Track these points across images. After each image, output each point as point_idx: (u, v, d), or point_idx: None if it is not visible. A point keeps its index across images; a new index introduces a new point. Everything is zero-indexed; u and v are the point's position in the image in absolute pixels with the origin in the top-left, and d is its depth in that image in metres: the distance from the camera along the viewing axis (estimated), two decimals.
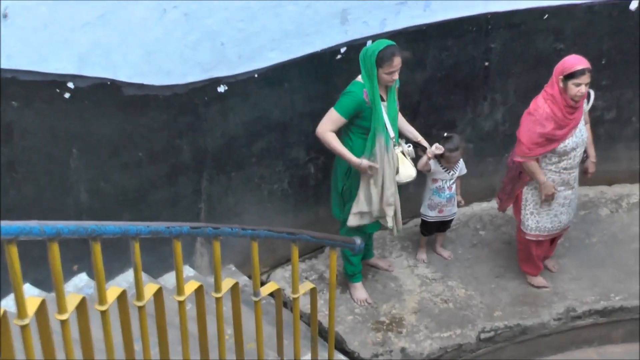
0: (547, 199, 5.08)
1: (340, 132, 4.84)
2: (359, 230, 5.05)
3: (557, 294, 5.52)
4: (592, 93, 5.02)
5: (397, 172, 4.91)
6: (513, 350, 5.34)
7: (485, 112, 6.12)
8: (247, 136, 5.10)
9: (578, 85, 4.68)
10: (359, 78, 4.72)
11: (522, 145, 4.91)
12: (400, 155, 4.92)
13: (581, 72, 4.67)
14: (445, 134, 5.33)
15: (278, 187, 5.47)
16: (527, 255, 5.46)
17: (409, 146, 4.99)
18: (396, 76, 4.66)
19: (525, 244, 5.40)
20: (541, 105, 4.82)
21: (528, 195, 5.18)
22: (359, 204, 4.95)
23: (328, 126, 4.74)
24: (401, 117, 5.08)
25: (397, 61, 4.61)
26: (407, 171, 4.94)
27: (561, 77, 4.71)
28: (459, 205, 5.68)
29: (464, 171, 5.52)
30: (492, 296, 5.50)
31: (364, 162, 4.76)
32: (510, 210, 5.55)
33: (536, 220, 5.22)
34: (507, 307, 5.40)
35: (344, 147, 4.78)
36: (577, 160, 5.05)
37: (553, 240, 5.53)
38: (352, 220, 5.01)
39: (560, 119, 4.79)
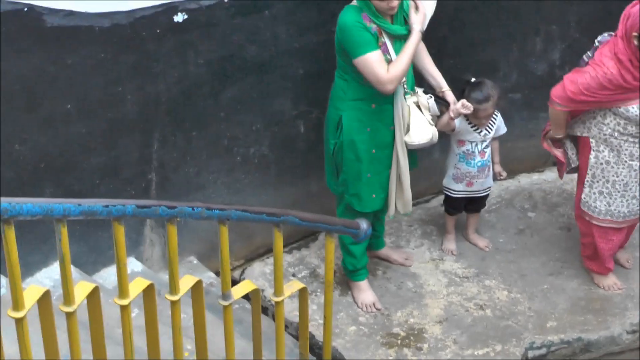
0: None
1: (332, 74, 4.85)
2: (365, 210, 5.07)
3: (633, 297, 5.57)
4: None
5: (408, 131, 4.88)
6: None
7: (538, 51, 6.16)
8: (213, 82, 5.12)
9: None
10: (355, 2, 4.70)
11: (566, 90, 4.84)
12: (414, 108, 4.88)
13: None
14: (473, 79, 5.29)
15: (255, 152, 5.50)
16: (594, 250, 5.47)
17: (430, 97, 4.95)
18: (394, 3, 4.59)
19: (591, 234, 5.39)
20: (607, 63, 4.72)
21: (597, 170, 5.14)
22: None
23: (381, 69, 4.63)
24: (425, 53, 5.07)
25: None
26: (421, 131, 4.89)
27: (635, 34, 4.57)
28: (497, 178, 5.73)
29: (503, 130, 5.55)
30: (545, 301, 5.56)
31: None
32: (571, 183, 5.44)
33: (607, 202, 5.20)
34: (564, 316, 5.45)
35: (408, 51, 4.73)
36: None
37: (629, 228, 5.51)
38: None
39: (629, 83, 4.71)
